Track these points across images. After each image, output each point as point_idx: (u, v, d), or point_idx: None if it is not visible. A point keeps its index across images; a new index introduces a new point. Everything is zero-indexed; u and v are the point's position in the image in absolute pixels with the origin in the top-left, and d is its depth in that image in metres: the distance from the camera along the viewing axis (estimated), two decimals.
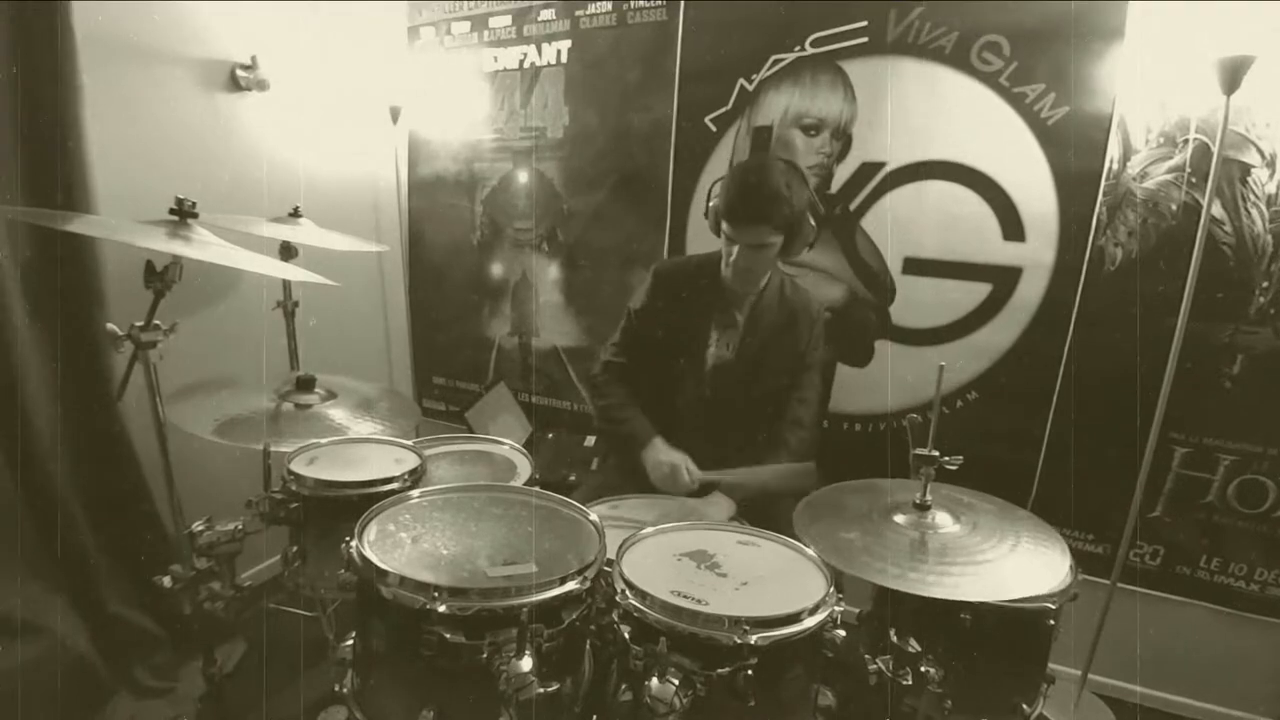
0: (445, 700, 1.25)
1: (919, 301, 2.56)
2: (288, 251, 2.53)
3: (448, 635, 1.22)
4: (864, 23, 2.46)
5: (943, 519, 1.58)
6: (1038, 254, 2.37)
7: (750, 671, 1.24)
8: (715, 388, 2.22)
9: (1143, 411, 2.24)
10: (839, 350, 2.69)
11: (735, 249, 2.04)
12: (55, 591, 2.17)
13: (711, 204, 2.11)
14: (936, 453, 1.58)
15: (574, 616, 1.34)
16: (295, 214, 2.55)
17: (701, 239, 2.74)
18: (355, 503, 1.66)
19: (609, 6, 2.89)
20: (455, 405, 3.56)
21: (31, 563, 2.13)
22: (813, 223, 2.08)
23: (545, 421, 3.32)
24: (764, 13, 2.61)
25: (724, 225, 2.05)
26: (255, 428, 1.92)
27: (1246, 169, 2.13)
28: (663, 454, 2.10)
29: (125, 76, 2.34)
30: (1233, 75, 1.92)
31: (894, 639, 1.59)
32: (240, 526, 1.82)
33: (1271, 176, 2.11)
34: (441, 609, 1.22)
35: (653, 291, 2.27)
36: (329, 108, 3.07)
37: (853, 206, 2.59)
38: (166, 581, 1.79)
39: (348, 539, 1.39)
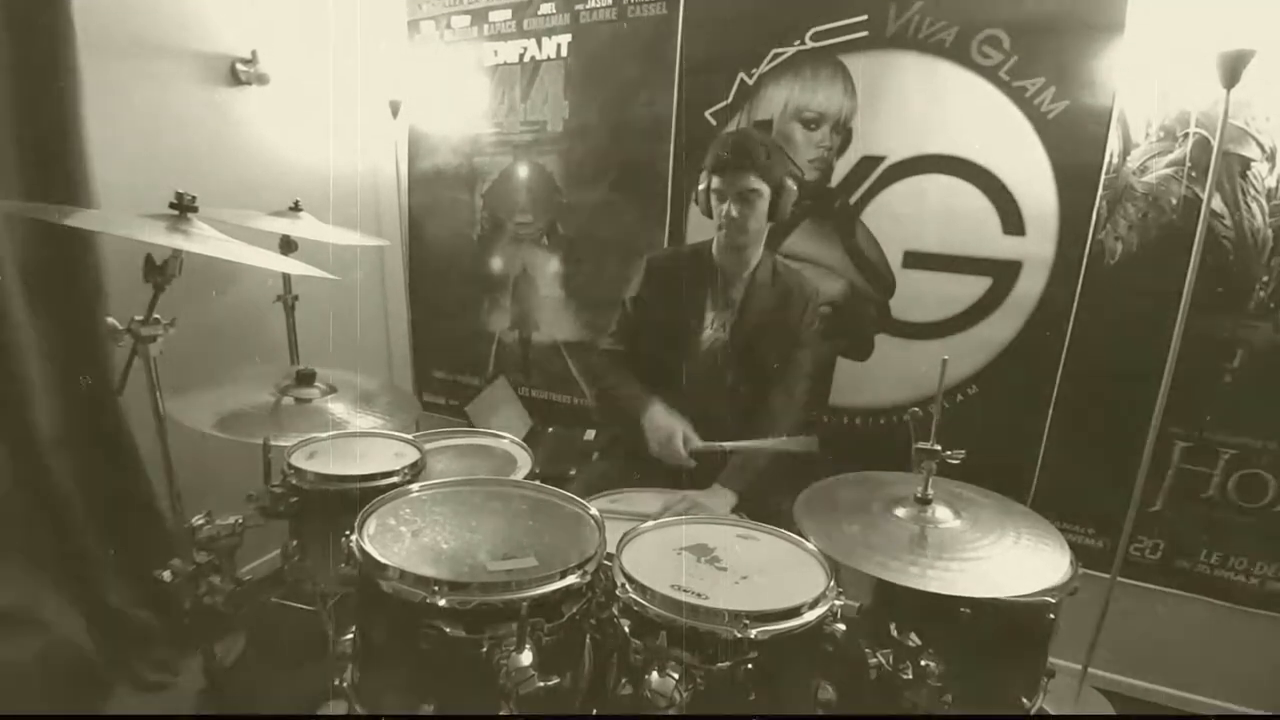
0: (445, 694, 1.26)
1: (919, 296, 2.56)
2: (288, 245, 2.54)
3: (448, 629, 1.22)
4: (864, 16, 2.45)
5: (943, 513, 1.58)
6: (1038, 248, 2.37)
7: (750, 665, 1.24)
8: (710, 369, 2.23)
9: (1143, 405, 2.25)
10: (839, 345, 2.69)
11: (726, 207, 2.07)
12: (55, 586, 2.18)
13: (700, 187, 2.15)
14: (939, 447, 1.58)
15: (574, 610, 1.34)
16: (295, 208, 2.55)
17: (701, 233, 2.74)
18: (355, 497, 1.66)
19: (609, 0, 2.88)
20: (455, 399, 3.56)
21: (31, 557, 2.13)
22: (794, 186, 2.11)
23: (546, 416, 3.32)
24: (764, 6, 2.60)
25: (713, 181, 2.09)
26: (255, 422, 1.93)
27: (1247, 163, 2.12)
28: (661, 419, 2.10)
29: (125, 70, 2.33)
30: (1233, 69, 1.92)
31: (894, 633, 1.59)
32: (240, 520, 1.82)
33: (1272, 170, 2.10)
34: (441, 603, 1.22)
35: (647, 280, 2.29)
36: (329, 102, 3.06)
37: (853, 200, 2.58)
38: (166, 575, 1.79)
39: (348, 533, 1.39)
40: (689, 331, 2.23)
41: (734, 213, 2.07)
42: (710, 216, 2.17)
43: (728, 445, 2.05)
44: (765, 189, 2.07)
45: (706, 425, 2.13)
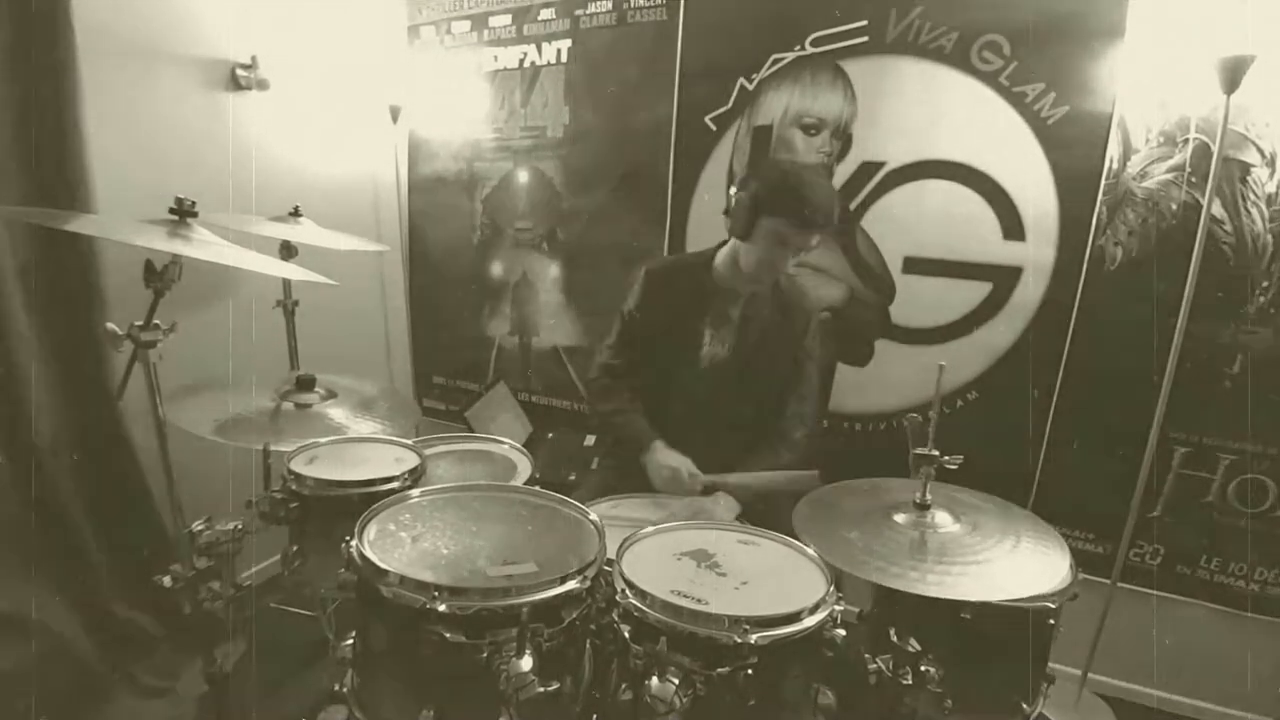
0: (445, 700, 1.25)
1: (919, 301, 2.56)
2: (288, 251, 2.53)
3: (448, 635, 1.21)
4: (864, 22, 2.46)
5: (943, 518, 1.58)
6: (1038, 253, 2.37)
7: (750, 671, 1.24)
8: (712, 385, 2.21)
9: (1143, 410, 2.24)
10: (839, 350, 2.69)
11: (784, 255, 2.01)
12: (55, 591, 2.17)
13: (742, 196, 2.02)
14: (936, 452, 1.58)
15: (574, 616, 1.34)
16: (295, 213, 2.55)
17: (701, 238, 2.74)
18: (355, 502, 1.66)
19: (609, 6, 2.89)
20: (455, 405, 3.56)
21: (32, 562, 2.12)
22: None
23: (545, 421, 3.32)
24: (764, 12, 2.61)
25: (778, 224, 1.97)
26: (255, 427, 1.92)
27: (1246, 168, 2.13)
28: (663, 457, 2.09)
29: (125, 75, 2.33)
30: (1233, 74, 1.93)
31: (894, 638, 1.59)
32: (240, 526, 1.82)
33: (1271, 176, 2.11)
34: (442, 608, 1.21)
35: (645, 292, 2.25)
36: (329, 107, 3.07)
37: (853, 206, 2.59)
38: (166, 581, 1.79)
39: (348, 538, 1.39)
40: (687, 348, 2.21)
41: (789, 263, 2.03)
42: (742, 239, 2.06)
43: (730, 479, 2.04)
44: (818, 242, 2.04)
45: (710, 447, 2.13)
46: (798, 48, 2.57)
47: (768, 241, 2.00)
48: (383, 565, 1.28)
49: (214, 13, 2.56)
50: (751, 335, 2.19)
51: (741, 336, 2.20)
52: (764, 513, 1.96)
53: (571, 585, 1.31)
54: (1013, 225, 2.39)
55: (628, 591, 1.37)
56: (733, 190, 2.08)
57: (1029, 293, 2.41)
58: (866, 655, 1.63)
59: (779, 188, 1.99)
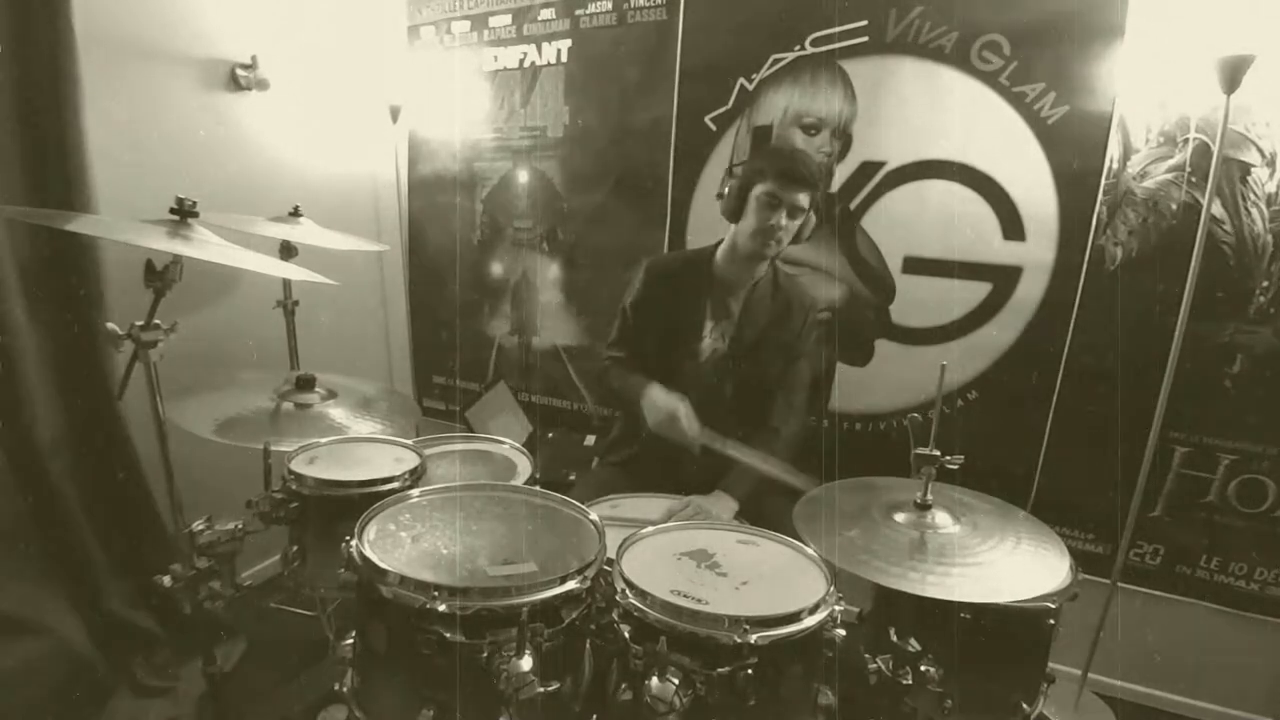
0: (445, 699, 1.25)
1: (919, 301, 2.56)
2: (288, 251, 2.54)
3: (448, 634, 1.22)
4: (864, 22, 2.46)
5: (943, 518, 1.58)
6: (1038, 253, 2.37)
7: (750, 671, 1.24)
8: (710, 378, 2.22)
9: (1143, 410, 2.24)
10: (839, 350, 2.69)
11: (774, 216, 2.03)
12: (55, 591, 2.17)
13: (732, 181, 2.12)
14: (937, 452, 1.58)
15: (574, 616, 1.34)
16: (295, 213, 2.55)
17: (701, 238, 2.74)
18: (355, 502, 1.66)
19: (609, 6, 2.88)
20: (455, 404, 3.56)
21: (31, 562, 2.13)
22: (813, 215, 2.11)
23: (545, 421, 3.32)
24: (764, 12, 2.60)
25: (766, 187, 2.03)
26: (255, 427, 1.92)
27: (1246, 168, 2.13)
28: (661, 398, 2.07)
29: (125, 76, 2.34)
30: (1233, 74, 1.92)
31: (894, 638, 1.59)
32: (240, 526, 1.82)
33: (1271, 176, 2.11)
34: (441, 608, 1.22)
35: (646, 286, 2.27)
36: (329, 107, 3.07)
37: (853, 206, 2.59)
38: (166, 581, 1.79)
39: (348, 538, 1.39)
40: (688, 341, 2.23)
41: (781, 222, 2.04)
42: (734, 220, 2.13)
43: (730, 450, 2.02)
44: (806, 211, 2.07)
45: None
46: (798, 47, 2.57)
47: (758, 206, 2.06)
48: (383, 565, 1.29)
49: (214, 13, 2.57)
50: (750, 329, 2.21)
51: (741, 330, 2.21)
52: (764, 512, 1.96)
53: (571, 585, 1.32)
54: (1012, 225, 2.39)
55: (628, 591, 1.37)
56: (725, 178, 2.13)
57: (1029, 292, 2.40)
58: (866, 655, 1.63)
59: (764, 156, 2.14)
